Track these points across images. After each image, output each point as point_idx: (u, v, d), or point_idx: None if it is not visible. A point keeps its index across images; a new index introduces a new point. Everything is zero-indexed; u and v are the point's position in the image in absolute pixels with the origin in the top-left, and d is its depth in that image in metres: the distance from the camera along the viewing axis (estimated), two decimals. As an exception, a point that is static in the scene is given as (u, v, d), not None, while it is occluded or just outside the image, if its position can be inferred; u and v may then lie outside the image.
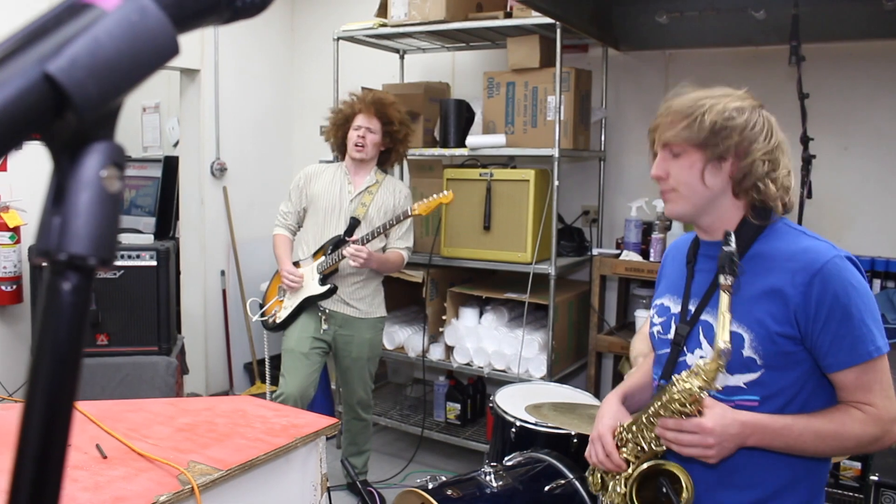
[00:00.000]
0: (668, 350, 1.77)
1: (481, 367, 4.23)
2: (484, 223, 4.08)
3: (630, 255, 4.03)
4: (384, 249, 3.76)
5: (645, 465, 1.70)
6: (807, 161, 3.48)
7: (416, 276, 4.35)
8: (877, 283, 3.77)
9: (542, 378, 3.97)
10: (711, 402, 1.59)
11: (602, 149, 4.51)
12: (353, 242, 3.56)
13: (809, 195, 3.53)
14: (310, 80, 5.55)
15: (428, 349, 4.41)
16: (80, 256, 0.38)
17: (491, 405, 3.21)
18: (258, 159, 5.50)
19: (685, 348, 1.73)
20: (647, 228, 4.09)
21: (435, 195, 3.64)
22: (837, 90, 3.95)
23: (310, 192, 3.77)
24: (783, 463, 1.65)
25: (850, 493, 3.60)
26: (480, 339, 4.24)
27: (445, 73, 5.10)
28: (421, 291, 4.41)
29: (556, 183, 3.90)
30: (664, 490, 1.65)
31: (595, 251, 4.26)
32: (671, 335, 1.77)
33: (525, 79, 4.12)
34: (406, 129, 3.80)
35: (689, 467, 1.65)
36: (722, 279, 1.52)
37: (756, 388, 1.63)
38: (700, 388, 1.56)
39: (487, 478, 2.68)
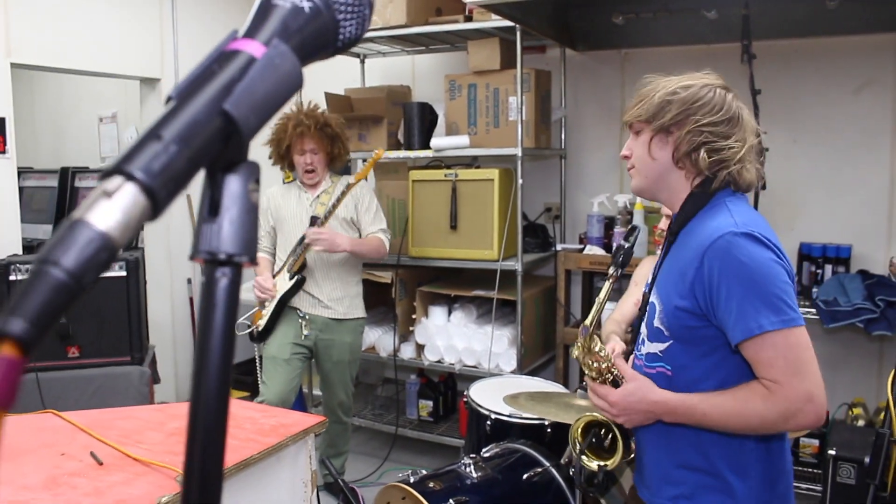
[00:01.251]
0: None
1: (452, 364, 4.32)
2: (450, 223, 4.17)
3: (593, 250, 4.14)
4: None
5: (592, 416, 1.87)
6: (760, 154, 3.62)
7: (385, 276, 4.42)
8: (828, 268, 3.94)
9: (512, 372, 4.07)
10: (632, 375, 1.73)
11: (563, 147, 4.63)
12: (311, 224, 3.62)
13: (763, 186, 3.68)
14: (270, 87, 5.59)
15: (399, 348, 4.49)
16: (235, 255, 0.49)
17: (465, 400, 3.30)
18: (221, 166, 5.53)
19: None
20: (609, 223, 4.21)
21: (366, 161, 3.77)
22: (787, 85, 4.11)
23: (274, 212, 3.82)
24: (712, 439, 1.69)
25: (810, 469, 3.77)
26: (450, 336, 4.32)
27: (405, 76, 5.18)
28: (390, 292, 4.49)
29: (520, 181, 4.00)
30: (594, 440, 1.86)
31: (559, 247, 4.38)
32: None
33: (486, 80, 4.21)
34: (343, 132, 3.82)
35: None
36: (610, 269, 1.70)
37: (667, 357, 1.71)
38: (577, 356, 1.77)
39: (467, 469, 2.76)
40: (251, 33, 0.51)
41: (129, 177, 0.44)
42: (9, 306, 0.39)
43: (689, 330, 1.66)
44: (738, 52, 3.53)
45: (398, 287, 4.44)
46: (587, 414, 1.87)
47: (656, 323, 1.72)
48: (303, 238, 3.68)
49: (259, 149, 3.77)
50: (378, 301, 4.82)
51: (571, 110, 4.67)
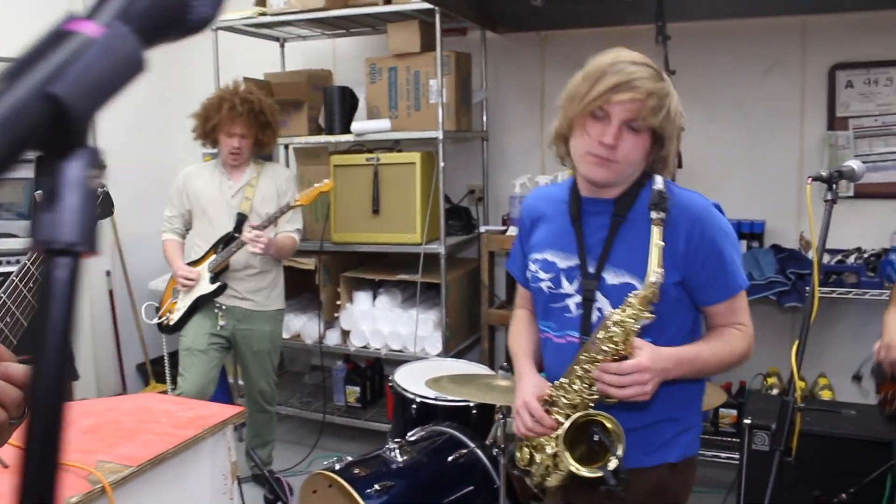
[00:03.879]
0: (564, 304, 1.86)
1: (378, 349, 4.31)
2: (372, 207, 4.15)
3: (516, 231, 4.16)
4: (275, 236, 3.77)
5: (574, 417, 1.74)
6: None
7: (308, 263, 4.38)
8: (743, 243, 4.05)
9: (438, 355, 4.08)
10: (639, 342, 1.69)
11: (484, 129, 4.64)
12: (254, 227, 3.54)
13: (680, 165, 3.74)
14: (189, 72, 5.44)
15: (324, 335, 4.45)
16: (74, 244, 0.47)
17: (391, 384, 3.30)
18: (139, 155, 5.36)
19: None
20: (532, 204, 4.23)
21: (316, 184, 3.67)
22: (702, 66, 4.19)
23: (190, 194, 3.74)
24: (679, 388, 1.85)
25: (729, 439, 3.89)
26: (376, 321, 4.31)
27: (327, 59, 5.11)
28: (313, 278, 4.45)
29: (442, 164, 4.00)
30: (596, 439, 1.71)
31: (482, 229, 4.39)
32: (566, 289, 1.85)
33: (406, 63, 4.19)
34: (276, 120, 3.79)
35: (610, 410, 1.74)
36: (654, 214, 1.64)
37: (650, 331, 1.75)
38: (633, 317, 1.66)
39: (392, 454, 2.77)
40: (91, 14, 0.49)
41: None
42: None
43: (675, 299, 1.78)
44: (653, 33, 3.57)
45: (322, 273, 4.40)
46: (562, 427, 1.75)
47: None
48: (232, 237, 3.62)
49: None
50: (302, 288, 4.77)
51: (493, 92, 4.67)
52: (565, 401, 1.78)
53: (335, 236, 4.31)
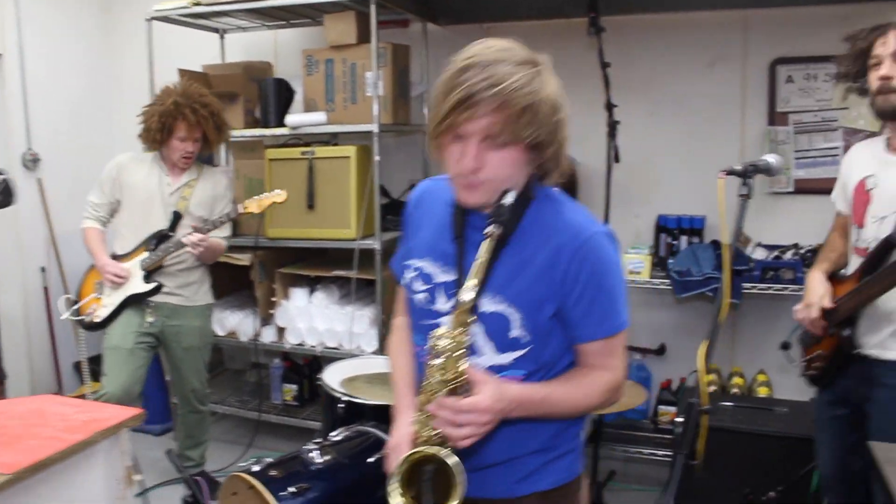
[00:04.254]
0: (436, 322, 1.65)
1: (314, 347, 4.23)
2: (307, 202, 4.05)
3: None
4: None
5: (406, 455, 1.53)
6: (612, 127, 3.64)
7: (244, 259, 4.28)
8: (683, 239, 4.02)
9: (373, 352, 4.00)
10: (483, 377, 1.51)
11: (425, 122, 4.56)
12: (196, 230, 3.45)
13: (617, 159, 3.70)
14: (128, 63, 5.30)
15: (260, 332, 4.36)
16: None
17: (319, 383, 3.22)
18: (75, 147, 5.23)
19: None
20: (471, 199, 4.17)
21: (268, 193, 3.57)
22: (643, 59, 4.17)
23: (124, 184, 3.60)
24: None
25: (667, 436, 3.87)
26: (312, 318, 4.23)
27: (268, 52, 5.01)
28: (249, 274, 4.35)
29: (377, 158, 3.91)
30: (425, 479, 1.54)
31: (422, 224, 4.31)
32: (441, 307, 1.67)
33: (343, 55, 4.11)
34: (227, 124, 3.72)
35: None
36: (491, 228, 1.48)
37: (522, 362, 1.61)
38: (452, 339, 1.48)
39: (311, 455, 2.68)
40: None
41: None
42: None
43: (549, 330, 1.60)
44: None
45: (257, 269, 4.31)
46: (399, 465, 1.54)
47: (514, 332, 1.58)
48: (166, 235, 3.53)
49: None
50: (237, 285, 4.66)
51: (434, 85, 4.59)
52: (428, 435, 1.56)
53: (270, 231, 4.21)
